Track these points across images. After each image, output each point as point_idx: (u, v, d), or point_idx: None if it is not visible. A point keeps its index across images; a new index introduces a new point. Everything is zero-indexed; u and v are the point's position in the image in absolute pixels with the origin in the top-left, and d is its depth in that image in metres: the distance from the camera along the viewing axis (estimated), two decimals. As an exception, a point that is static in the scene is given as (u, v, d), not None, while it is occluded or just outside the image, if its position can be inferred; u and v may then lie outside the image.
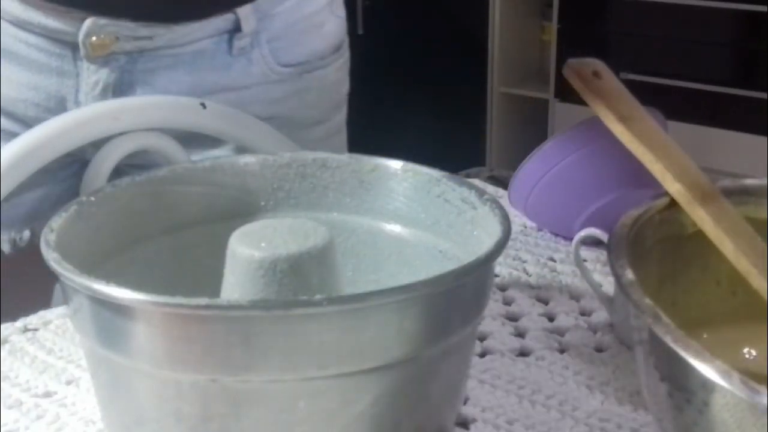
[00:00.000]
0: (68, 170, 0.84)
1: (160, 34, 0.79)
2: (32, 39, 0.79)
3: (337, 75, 0.92)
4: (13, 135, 0.78)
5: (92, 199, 0.51)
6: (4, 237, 0.82)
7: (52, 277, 0.44)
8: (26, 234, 0.84)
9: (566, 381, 0.59)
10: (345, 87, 0.94)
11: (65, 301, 0.45)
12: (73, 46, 0.78)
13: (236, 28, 0.82)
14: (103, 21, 0.77)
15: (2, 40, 0.79)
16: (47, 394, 0.58)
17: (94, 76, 0.79)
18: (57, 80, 0.80)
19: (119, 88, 0.80)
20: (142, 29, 0.78)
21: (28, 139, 0.75)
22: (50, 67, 0.79)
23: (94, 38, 0.77)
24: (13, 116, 0.82)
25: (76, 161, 0.83)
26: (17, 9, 0.77)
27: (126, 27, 0.77)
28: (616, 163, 0.71)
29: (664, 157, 0.48)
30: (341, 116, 0.95)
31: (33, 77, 0.80)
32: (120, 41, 0.78)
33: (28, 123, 0.80)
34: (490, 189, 0.91)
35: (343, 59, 0.93)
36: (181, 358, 0.40)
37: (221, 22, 0.81)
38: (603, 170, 0.74)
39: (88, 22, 0.76)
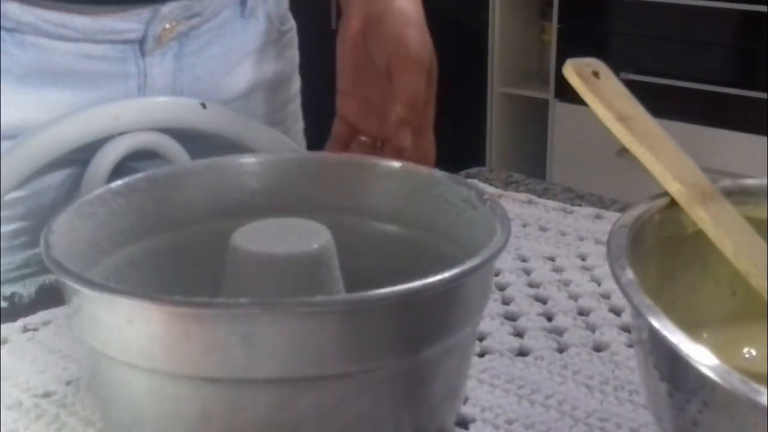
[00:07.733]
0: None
1: (206, 7, 0.82)
2: (97, 50, 0.78)
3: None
4: (83, 163, 0.78)
5: (92, 199, 0.51)
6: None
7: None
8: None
9: (565, 380, 0.59)
10: None
11: (65, 301, 0.45)
12: (135, 44, 0.79)
13: None
14: (166, 7, 0.79)
15: (59, 64, 0.77)
16: (47, 394, 0.58)
17: (157, 68, 0.81)
18: (121, 85, 0.80)
19: (177, 76, 0.83)
20: (196, 5, 0.81)
21: (28, 139, 0.75)
22: (114, 74, 0.79)
23: (167, 25, 0.79)
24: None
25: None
26: (87, 21, 0.76)
27: (184, 7, 0.80)
28: None
29: (664, 157, 0.48)
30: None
31: (94, 93, 0.79)
32: (178, 24, 0.81)
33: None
34: (490, 189, 0.91)
35: None
36: (181, 358, 0.40)
37: None
38: None
39: (163, 10, 0.79)
